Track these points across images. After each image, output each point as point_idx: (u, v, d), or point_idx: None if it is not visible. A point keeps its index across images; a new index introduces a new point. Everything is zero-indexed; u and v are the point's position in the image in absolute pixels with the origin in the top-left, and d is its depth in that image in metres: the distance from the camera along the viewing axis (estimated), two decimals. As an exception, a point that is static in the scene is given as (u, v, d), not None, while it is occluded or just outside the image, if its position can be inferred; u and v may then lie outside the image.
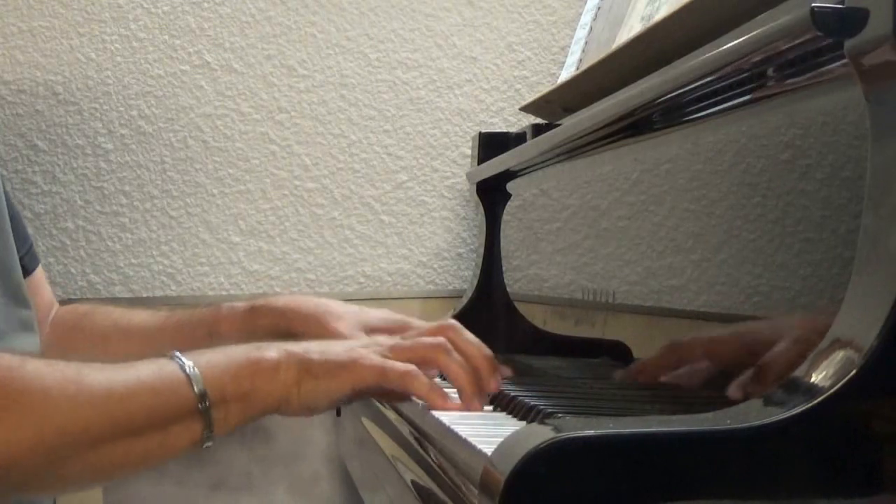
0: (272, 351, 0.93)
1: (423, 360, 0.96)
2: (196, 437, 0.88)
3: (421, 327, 1.04)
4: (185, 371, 0.88)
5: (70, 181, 1.82)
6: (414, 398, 0.97)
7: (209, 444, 0.89)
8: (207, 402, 0.87)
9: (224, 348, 0.94)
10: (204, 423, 0.87)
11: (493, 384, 0.97)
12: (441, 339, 0.97)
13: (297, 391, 0.92)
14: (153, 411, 0.85)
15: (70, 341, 1.25)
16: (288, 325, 1.17)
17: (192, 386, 0.87)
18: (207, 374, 0.88)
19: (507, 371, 1.05)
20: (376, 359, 0.95)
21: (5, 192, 1.18)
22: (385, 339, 1.00)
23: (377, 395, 0.99)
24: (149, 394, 0.85)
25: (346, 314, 1.17)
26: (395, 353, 0.96)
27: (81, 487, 0.88)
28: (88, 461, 0.83)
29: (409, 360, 0.95)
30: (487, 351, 0.99)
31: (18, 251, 1.17)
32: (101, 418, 0.83)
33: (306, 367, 0.93)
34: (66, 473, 0.82)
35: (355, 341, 1.01)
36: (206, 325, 1.19)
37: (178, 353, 0.89)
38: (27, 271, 1.23)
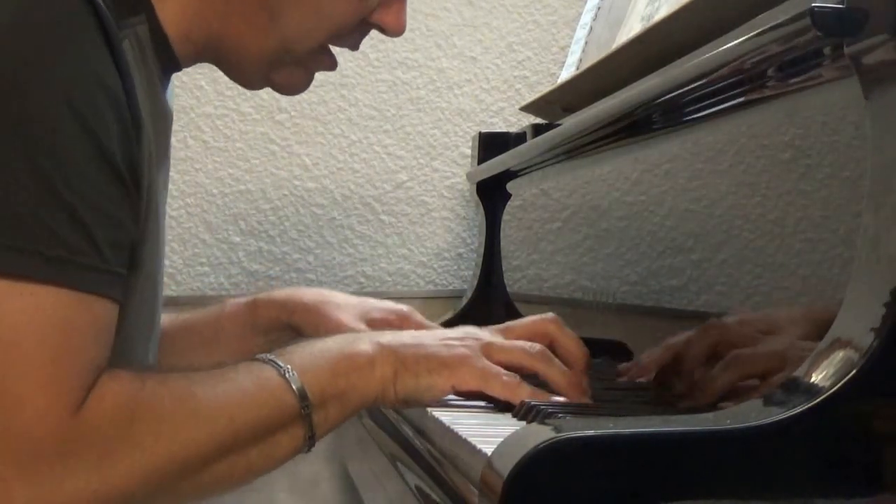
0: (364, 344, 0.91)
1: (521, 367, 0.93)
2: (299, 442, 0.86)
3: (425, 322, 1.00)
4: (284, 377, 0.86)
5: (70, 181, 1.82)
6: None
7: (309, 448, 0.87)
8: (309, 407, 0.86)
9: (314, 343, 0.92)
10: (305, 427, 0.86)
11: (585, 385, 0.95)
12: (540, 348, 0.94)
13: (393, 386, 0.90)
14: (259, 423, 0.84)
15: None
16: (289, 316, 1.15)
17: (293, 392, 0.85)
18: (306, 378, 0.86)
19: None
20: (481, 363, 0.92)
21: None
22: (478, 333, 0.96)
23: (474, 395, 0.96)
24: (254, 406, 0.84)
25: (346, 304, 1.15)
26: (493, 353, 0.94)
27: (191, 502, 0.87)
28: (196, 482, 0.82)
29: (508, 363, 0.93)
30: (585, 350, 0.97)
31: None
32: (211, 438, 0.82)
33: (402, 361, 0.91)
34: (175, 496, 0.82)
35: (451, 332, 0.97)
36: (212, 324, 1.17)
37: (272, 357, 0.87)
38: None
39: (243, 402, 0.84)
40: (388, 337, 0.94)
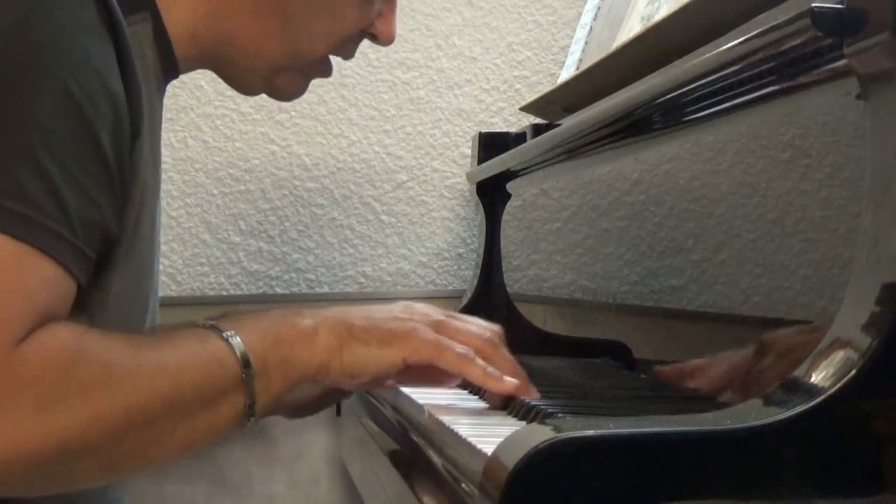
0: (307, 316, 0.91)
1: (471, 347, 0.94)
2: (239, 410, 0.85)
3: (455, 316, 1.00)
4: (227, 342, 0.85)
5: (70, 181, 1.82)
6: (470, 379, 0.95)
7: (251, 419, 0.86)
8: (250, 373, 0.85)
9: (259, 313, 0.91)
10: (247, 394, 0.85)
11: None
12: (489, 337, 0.96)
13: (340, 357, 0.90)
14: (201, 385, 0.83)
15: None
16: None
17: (235, 357, 0.85)
18: (249, 344, 0.86)
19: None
20: (433, 334, 0.93)
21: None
22: (429, 311, 0.97)
23: (421, 373, 0.96)
24: (196, 366, 0.83)
25: None
26: (445, 331, 0.94)
27: (129, 472, 0.85)
28: (140, 440, 0.81)
29: (458, 342, 0.94)
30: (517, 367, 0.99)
31: None
32: (153, 393, 0.80)
33: (349, 332, 0.91)
34: (119, 455, 0.81)
35: (399, 307, 0.97)
36: None
37: (214, 323, 0.87)
38: None
39: (186, 361, 0.83)
40: (335, 310, 0.93)
